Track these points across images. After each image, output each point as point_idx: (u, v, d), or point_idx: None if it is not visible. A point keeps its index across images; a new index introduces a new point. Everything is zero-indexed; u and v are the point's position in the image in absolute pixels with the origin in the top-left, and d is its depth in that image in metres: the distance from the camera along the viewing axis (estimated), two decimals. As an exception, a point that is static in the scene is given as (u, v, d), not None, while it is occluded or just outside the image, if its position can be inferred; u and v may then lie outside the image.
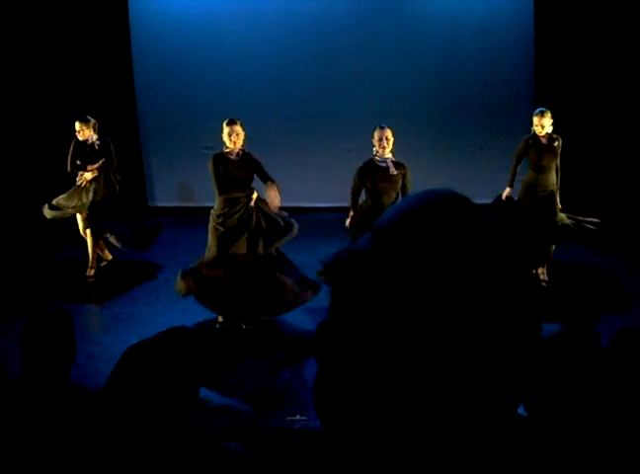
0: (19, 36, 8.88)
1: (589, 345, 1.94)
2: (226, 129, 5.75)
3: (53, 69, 9.00)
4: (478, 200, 0.76)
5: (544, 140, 6.53)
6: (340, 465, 0.74)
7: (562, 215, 6.65)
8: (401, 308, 0.67)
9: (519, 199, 6.70)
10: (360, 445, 0.72)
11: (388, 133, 5.87)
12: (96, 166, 7.10)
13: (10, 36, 8.85)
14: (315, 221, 8.93)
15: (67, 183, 7.29)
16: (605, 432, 1.71)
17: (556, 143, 6.55)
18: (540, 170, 6.58)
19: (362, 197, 6.17)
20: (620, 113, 8.65)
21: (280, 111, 9.48)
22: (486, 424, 0.70)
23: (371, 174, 5.87)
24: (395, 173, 5.86)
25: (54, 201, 7.16)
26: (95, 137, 7.12)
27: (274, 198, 5.76)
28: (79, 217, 7.23)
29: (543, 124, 6.48)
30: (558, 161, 6.65)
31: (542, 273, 6.79)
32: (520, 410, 1.46)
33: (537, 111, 6.62)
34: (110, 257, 7.55)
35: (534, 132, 6.55)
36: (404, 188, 5.89)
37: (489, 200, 6.69)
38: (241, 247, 5.71)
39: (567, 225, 6.62)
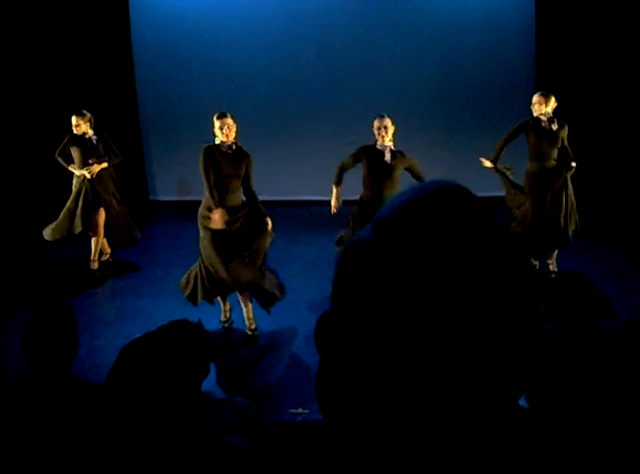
0: (19, 30, 8.86)
1: (597, 339, 1.94)
2: (217, 123, 5.63)
3: (54, 64, 8.98)
4: (479, 193, 0.76)
5: (545, 124, 6.43)
6: (342, 458, 0.74)
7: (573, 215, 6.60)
8: (402, 300, 0.67)
9: (523, 189, 6.63)
10: (363, 438, 0.72)
11: (387, 122, 5.90)
12: (104, 165, 7.12)
13: (10, 29, 8.83)
14: (317, 214, 8.93)
15: (66, 179, 7.25)
16: (608, 423, 1.71)
17: (556, 128, 6.42)
18: (539, 158, 6.47)
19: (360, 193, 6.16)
20: (622, 104, 8.63)
21: (282, 104, 9.46)
22: (487, 416, 0.70)
23: (369, 157, 5.88)
24: (389, 162, 5.87)
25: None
26: (91, 132, 7.09)
27: (216, 220, 5.57)
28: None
29: (540, 103, 6.40)
30: (566, 148, 6.51)
31: (552, 263, 6.74)
32: (522, 402, 1.46)
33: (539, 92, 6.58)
34: (109, 250, 7.55)
35: (536, 116, 6.44)
36: (417, 177, 5.94)
37: (490, 193, 6.67)
38: (232, 247, 5.64)
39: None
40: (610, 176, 8.68)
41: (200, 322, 2.87)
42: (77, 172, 7.09)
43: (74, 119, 7.02)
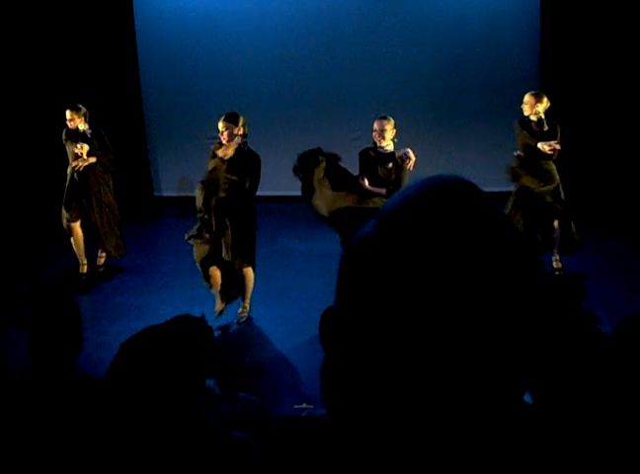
0: (24, 28, 8.86)
1: (582, 324, 1.94)
2: (220, 125, 5.64)
3: (60, 61, 8.99)
4: (483, 188, 0.75)
5: (534, 125, 6.34)
6: (347, 453, 0.74)
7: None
8: (407, 294, 0.67)
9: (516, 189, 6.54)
10: (367, 433, 0.72)
11: (385, 125, 5.74)
12: (93, 160, 6.90)
13: (16, 27, 8.84)
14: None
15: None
16: (612, 419, 1.71)
17: (547, 129, 6.31)
18: (526, 158, 6.40)
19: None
20: (627, 101, 8.60)
21: (285, 100, 9.45)
22: (492, 411, 0.70)
23: (367, 160, 5.82)
24: (390, 166, 5.75)
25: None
26: (86, 126, 6.91)
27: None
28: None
29: (531, 103, 6.29)
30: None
31: (555, 260, 6.69)
32: (526, 397, 1.46)
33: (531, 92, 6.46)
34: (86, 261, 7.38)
35: (527, 116, 6.36)
36: (398, 179, 5.74)
37: (494, 188, 6.64)
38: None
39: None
40: (614, 172, 8.66)
41: (203, 317, 2.87)
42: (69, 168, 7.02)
43: (68, 114, 6.86)
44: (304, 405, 4.57)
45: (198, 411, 2.43)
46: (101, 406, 1.88)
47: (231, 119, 5.62)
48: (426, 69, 9.30)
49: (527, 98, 6.41)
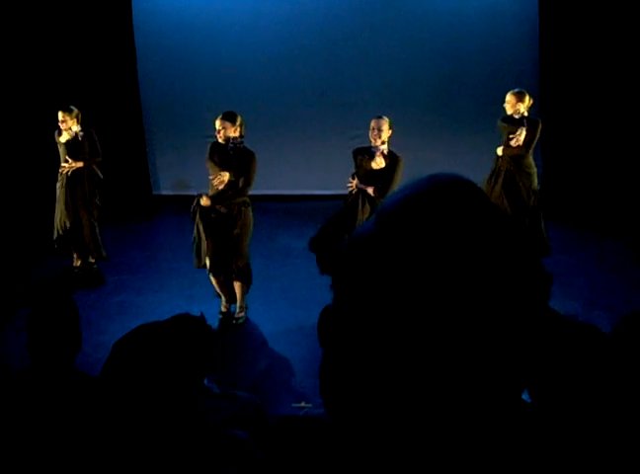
0: (22, 28, 8.85)
1: (597, 333, 1.94)
2: (217, 123, 5.63)
3: (57, 61, 8.97)
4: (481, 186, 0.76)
5: (516, 123, 6.33)
6: (345, 452, 0.74)
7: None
8: (405, 292, 0.67)
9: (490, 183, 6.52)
10: (366, 432, 0.72)
11: (382, 124, 5.70)
12: (81, 164, 6.84)
13: (14, 27, 8.83)
14: (320, 208, 8.93)
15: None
16: (611, 418, 1.71)
17: (525, 128, 6.31)
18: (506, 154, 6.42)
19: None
20: (625, 100, 8.60)
21: (284, 99, 9.45)
22: (491, 410, 0.70)
23: (360, 158, 5.80)
24: (381, 165, 5.71)
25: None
26: (78, 128, 6.85)
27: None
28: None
29: (511, 101, 6.30)
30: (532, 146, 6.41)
31: None
32: (525, 396, 1.46)
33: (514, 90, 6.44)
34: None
35: (509, 114, 6.36)
36: (389, 180, 5.69)
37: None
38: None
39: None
40: (614, 171, 8.66)
41: (202, 316, 2.87)
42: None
43: (60, 115, 6.79)
44: (303, 404, 4.57)
45: (196, 409, 2.43)
46: (97, 403, 1.87)
47: (228, 118, 5.62)
48: (424, 68, 9.31)
49: (509, 97, 6.41)
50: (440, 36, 9.23)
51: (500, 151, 6.48)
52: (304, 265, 7.14)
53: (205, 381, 2.92)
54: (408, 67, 9.30)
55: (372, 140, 5.74)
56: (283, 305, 6.24)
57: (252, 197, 5.91)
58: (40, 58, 8.95)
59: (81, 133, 6.88)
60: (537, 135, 6.42)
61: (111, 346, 1.95)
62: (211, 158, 5.68)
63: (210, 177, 5.74)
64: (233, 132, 5.61)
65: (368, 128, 5.89)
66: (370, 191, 5.68)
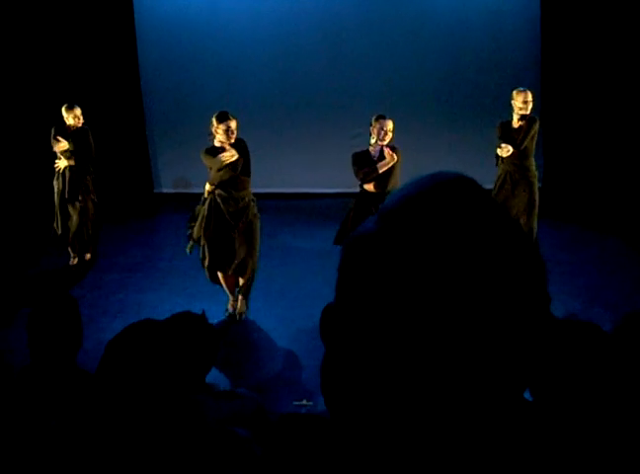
0: (24, 25, 8.85)
1: (598, 332, 1.94)
2: (221, 126, 5.60)
3: (59, 60, 8.97)
4: (483, 185, 0.76)
5: (514, 124, 6.37)
6: (347, 450, 0.74)
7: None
8: (407, 291, 0.67)
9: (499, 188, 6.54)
10: (367, 430, 0.72)
11: (389, 125, 5.72)
12: (72, 163, 6.91)
13: (16, 26, 8.82)
14: (320, 207, 8.93)
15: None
16: (611, 418, 1.71)
17: (523, 124, 6.33)
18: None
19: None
20: (626, 100, 8.59)
21: (285, 97, 9.45)
22: (492, 409, 0.70)
23: (362, 164, 5.77)
24: (394, 160, 5.73)
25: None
26: (79, 124, 6.94)
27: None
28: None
29: (516, 99, 6.32)
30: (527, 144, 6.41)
31: None
32: (526, 394, 1.45)
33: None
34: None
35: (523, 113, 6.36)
36: (391, 175, 5.72)
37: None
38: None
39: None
40: (614, 170, 8.66)
41: (203, 314, 2.88)
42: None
43: (78, 111, 6.91)
44: (304, 402, 4.58)
45: (197, 407, 2.43)
46: (97, 401, 1.87)
47: (229, 116, 5.65)
48: (426, 67, 9.30)
49: (515, 95, 6.40)
50: (441, 34, 9.22)
51: (500, 152, 6.47)
52: (305, 263, 7.15)
53: (210, 379, 2.93)
54: (410, 66, 9.29)
55: (380, 140, 5.72)
56: (285, 303, 6.24)
57: (252, 195, 5.91)
58: (42, 56, 8.95)
59: (78, 132, 6.96)
60: (533, 132, 6.39)
61: (112, 344, 1.95)
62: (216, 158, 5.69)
63: (216, 165, 5.72)
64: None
65: (370, 127, 5.88)
66: (371, 187, 5.70)
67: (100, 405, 1.86)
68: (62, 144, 6.89)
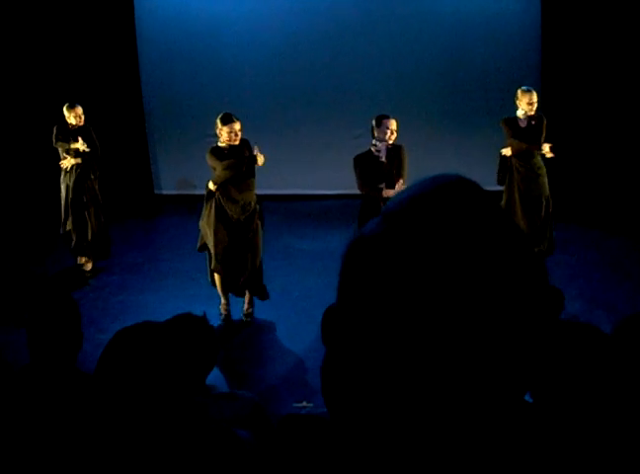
0: (24, 25, 8.85)
1: (599, 333, 1.94)
2: (225, 129, 5.61)
3: (60, 60, 8.97)
4: (485, 187, 0.76)
5: (520, 122, 6.37)
6: (347, 451, 0.74)
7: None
8: (409, 292, 0.67)
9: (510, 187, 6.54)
10: (368, 431, 0.72)
11: (395, 124, 5.75)
12: (79, 161, 6.89)
13: (17, 26, 8.83)
14: (322, 208, 8.94)
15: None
16: (611, 419, 1.71)
17: (535, 123, 6.36)
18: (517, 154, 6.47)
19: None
20: (628, 98, 8.59)
21: (286, 98, 9.45)
22: (493, 410, 0.70)
23: (366, 166, 5.77)
24: (385, 161, 5.73)
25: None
26: (81, 123, 6.94)
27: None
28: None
29: (520, 99, 6.32)
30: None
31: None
32: (526, 396, 1.46)
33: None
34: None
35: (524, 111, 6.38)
36: (398, 173, 5.74)
37: (496, 187, 6.65)
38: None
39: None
40: (615, 170, 8.66)
41: (204, 316, 2.87)
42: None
43: (66, 111, 6.87)
44: (304, 403, 4.58)
45: (197, 408, 2.43)
46: (96, 402, 1.87)
47: (234, 119, 5.66)
48: (427, 67, 9.30)
49: (519, 94, 6.40)
50: (442, 35, 9.23)
51: (505, 152, 6.46)
52: (307, 264, 7.15)
53: (211, 381, 2.93)
54: (411, 66, 9.29)
55: (389, 139, 5.72)
56: (285, 304, 6.24)
57: (257, 197, 5.92)
58: (42, 57, 8.95)
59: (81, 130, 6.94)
60: (544, 132, 6.43)
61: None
62: (221, 161, 5.68)
63: (220, 167, 5.72)
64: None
65: (371, 127, 5.88)
66: (390, 192, 5.68)
67: (99, 406, 1.86)
68: (77, 144, 6.86)
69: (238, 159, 5.67)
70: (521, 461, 0.73)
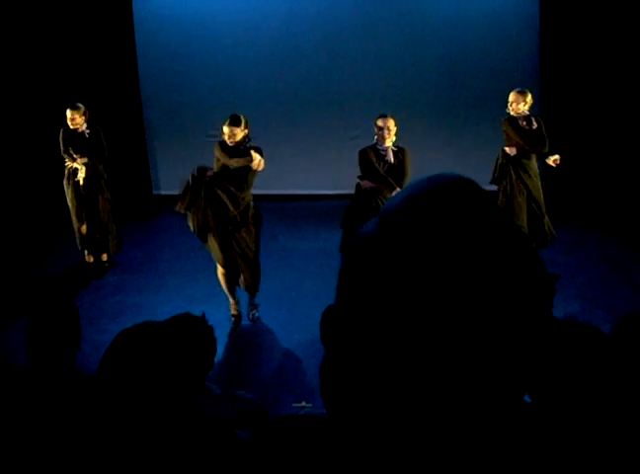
0: (23, 26, 8.85)
1: (597, 333, 1.94)
2: (225, 129, 5.65)
3: (58, 60, 8.97)
4: (483, 187, 0.76)
5: (522, 123, 6.38)
6: (345, 452, 0.74)
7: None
8: (408, 293, 0.67)
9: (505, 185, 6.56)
10: (366, 431, 0.72)
11: (390, 123, 5.76)
12: (85, 160, 6.86)
13: (15, 28, 8.83)
14: (320, 208, 8.94)
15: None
16: (611, 419, 1.71)
17: (536, 127, 6.39)
18: (519, 154, 6.48)
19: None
20: (627, 98, 8.59)
21: (285, 98, 9.46)
22: (492, 410, 0.70)
23: (368, 158, 5.79)
24: (393, 162, 5.78)
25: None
26: (85, 126, 6.88)
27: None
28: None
29: (517, 101, 6.32)
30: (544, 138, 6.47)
31: None
32: (526, 397, 1.46)
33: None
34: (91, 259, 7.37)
35: (513, 115, 6.40)
36: (402, 173, 5.78)
37: (494, 187, 6.65)
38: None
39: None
40: (614, 171, 8.66)
41: (203, 316, 2.87)
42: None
43: (69, 113, 6.81)
44: (303, 403, 4.57)
45: (197, 409, 2.43)
46: (96, 402, 1.87)
47: (235, 123, 5.65)
48: (425, 67, 9.30)
49: (512, 96, 6.41)
50: (440, 35, 9.23)
51: (509, 150, 6.46)
52: (305, 264, 7.15)
53: (210, 382, 2.92)
54: (409, 66, 9.30)
55: (381, 140, 5.76)
56: (284, 305, 6.24)
57: (252, 196, 5.91)
58: (41, 57, 8.95)
59: (87, 131, 6.91)
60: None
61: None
62: (227, 155, 5.69)
63: (226, 161, 5.72)
64: (242, 135, 5.64)
65: (371, 127, 5.89)
66: (382, 187, 5.70)
67: (99, 407, 1.86)
68: (74, 163, 6.86)
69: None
70: (521, 461, 0.73)
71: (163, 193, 9.89)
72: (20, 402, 2.68)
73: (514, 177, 6.44)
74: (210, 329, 2.86)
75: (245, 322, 5.99)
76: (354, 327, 0.71)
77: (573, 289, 6.18)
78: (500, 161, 6.56)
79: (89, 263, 7.20)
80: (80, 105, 6.91)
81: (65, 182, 6.99)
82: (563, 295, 5.83)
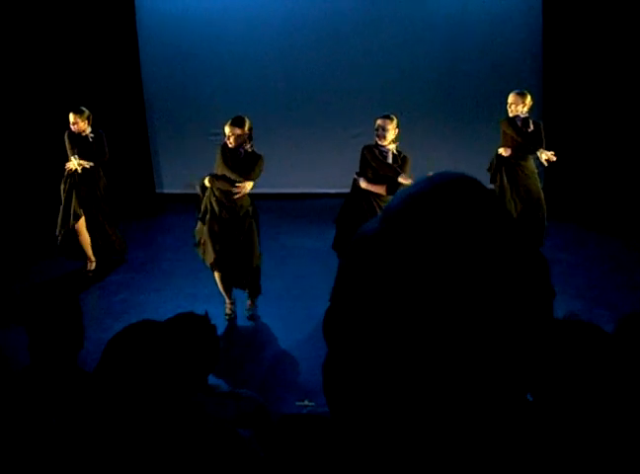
0: (26, 27, 8.85)
1: (599, 331, 1.94)
2: (225, 128, 5.63)
3: (62, 61, 8.97)
4: (485, 185, 0.76)
5: (520, 124, 6.40)
6: (348, 450, 0.74)
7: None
8: (410, 291, 0.67)
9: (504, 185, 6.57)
10: (369, 430, 0.72)
11: (387, 124, 5.67)
12: (91, 164, 6.86)
13: (19, 27, 8.83)
14: (322, 207, 8.93)
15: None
16: (612, 418, 1.71)
17: (532, 129, 6.40)
18: (514, 157, 6.50)
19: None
20: (629, 99, 8.58)
21: (286, 98, 9.46)
22: (494, 409, 0.70)
23: (370, 156, 5.76)
24: (391, 162, 5.71)
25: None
26: (89, 130, 6.86)
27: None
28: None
29: (517, 103, 6.34)
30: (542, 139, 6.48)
31: None
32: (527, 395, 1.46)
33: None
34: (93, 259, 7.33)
35: (512, 116, 6.42)
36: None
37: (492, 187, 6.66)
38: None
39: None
40: (615, 171, 8.65)
41: (206, 315, 2.88)
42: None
43: (72, 117, 6.77)
44: (306, 402, 4.57)
45: (199, 407, 2.43)
46: (97, 401, 1.87)
47: (237, 124, 5.63)
48: (426, 67, 9.30)
49: (512, 98, 6.42)
50: (441, 34, 9.22)
51: (502, 151, 6.49)
52: (306, 263, 7.15)
53: (215, 380, 2.93)
54: (410, 66, 9.29)
55: (377, 140, 5.71)
56: (285, 303, 6.24)
57: (252, 195, 5.91)
58: (44, 59, 8.96)
59: (91, 135, 6.90)
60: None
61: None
62: (225, 162, 5.66)
63: (218, 173, 5.73)
64: (243, 137, 5.62)
65: (371, 124, 5.87)
66: (382, 190, 5.67)
67: (100, 405, 1.86)
68: (70, 163, 6.86)
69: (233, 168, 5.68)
70: (522, 460, 0.73)
71: (166, 191, 9.91)
72: (22, 401, 2.68)
73: (505, 179, 6.47)
74: (213, 328, 2.86)
75: (245, 322, 5.99)
76: (356, 325, 0.71)
77: (573, 289, 6.17)
78: (493, 162, 6.60)
79: (89, 270, 7.18)
80: (84, 109, 6.89)
81: (63, 185, 7.00)
82: (563, 295, 5.82)
